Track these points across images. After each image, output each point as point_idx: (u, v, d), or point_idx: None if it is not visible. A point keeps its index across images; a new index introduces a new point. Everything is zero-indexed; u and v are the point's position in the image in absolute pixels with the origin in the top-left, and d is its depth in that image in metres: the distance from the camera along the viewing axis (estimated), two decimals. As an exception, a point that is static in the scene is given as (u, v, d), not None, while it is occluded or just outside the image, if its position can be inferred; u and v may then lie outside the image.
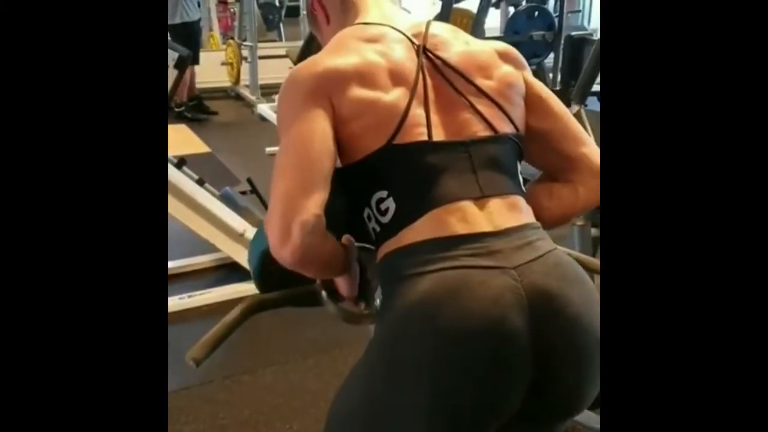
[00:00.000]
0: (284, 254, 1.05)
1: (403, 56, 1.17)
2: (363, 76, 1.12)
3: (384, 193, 1.12)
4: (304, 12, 7.59)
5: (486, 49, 1.25)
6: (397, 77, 1.14)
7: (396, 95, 1.12)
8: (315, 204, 1.04)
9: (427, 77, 1.17)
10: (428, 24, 1.24)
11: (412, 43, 1.20)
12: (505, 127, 1.19)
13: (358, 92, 1.11)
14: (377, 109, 1.11)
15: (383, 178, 1.12)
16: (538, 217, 1.18)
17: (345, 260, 1.19)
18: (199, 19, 6.82)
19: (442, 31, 1.25)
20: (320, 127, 1.08)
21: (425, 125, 1.13)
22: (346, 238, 1.20)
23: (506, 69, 1.24)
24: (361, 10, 1.27)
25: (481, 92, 1.19)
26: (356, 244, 1.23)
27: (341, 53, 1.14)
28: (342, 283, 1.25)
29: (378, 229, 1.13)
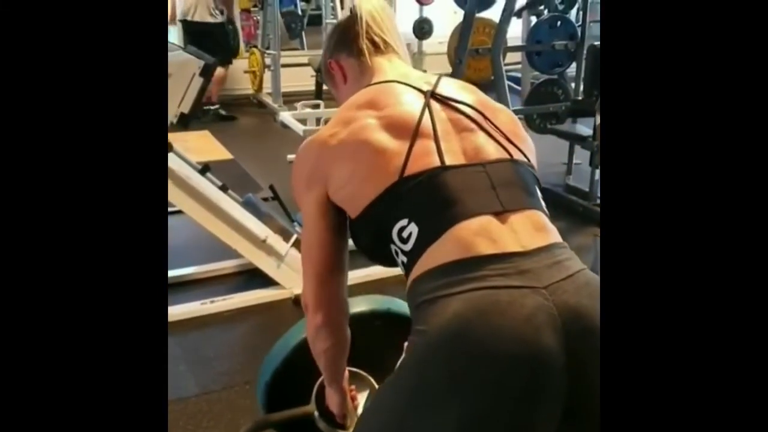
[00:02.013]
0: (317, 320, 1.25)
1: (407, 104, 1.20)
2: (352, 147, 1.16)
3: (405, 221, 1.12)
4: (326, 21, 7.64)
5: (506, 109, 1.30)
6: (397, 128, 1.16)
7: (396, 144, 1.15)
8: (336, 289, 1.26)
9: (437, 111, 1.20)
10: (440, 76, 1.28)
11: (421, 91, 1.23)
12: (520, 156, 1.21)
13: (348, 164, 1.16)
14: (369, 171, 1.15)
15: (400, 208, 1.12)
16: None
17: (344, 368, 1.39)
18: (223, 23, 6.96)
19: (456, 83, 1.29)
20: (324, 223, 1.21)
21: (436, 153, 1.14)
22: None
23: (523, 130, 1.28)
24: (376, 72, 1.31)
25: (496, 127, 1.21)
26: (348, 368, 1.43)
27: (334, 128, 1.20)
28: (332, 399, 1.45)
29: (405, 260, 1.13)
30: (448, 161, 1.13)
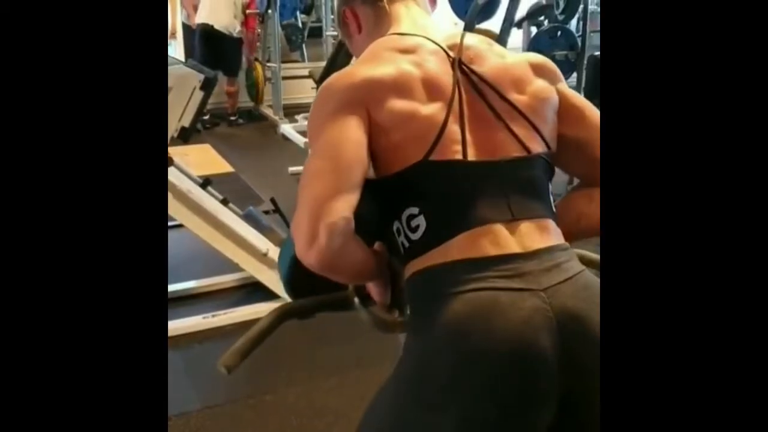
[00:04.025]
0: (310, 258, 1.03)
1: (439, 68, 1.16)
2: (400, 87, 1.11)
3: (415, 210, 1.11)
4: (327, 33, 7.65)
5: (520, 61, 1.24)
6: (433, 90, 1.13)
7: (433, 109, 1.12)
8: (343, 207, 1.02)
9: (463, 92, 1.16)
10: (463, 35, 1.23)
11: (448, 55, 1.19)
12: (537, 147, 1.18)
13: (397, 103, 1.10)
14: (416, 121, 1.10)
15: (416, 194, 1.12)
16: (577, 225, 1.20)
17: (376, 267, 1.17)
18: (240, 39, 7.17)
19: (477, 42, 1.23)
20: (354, 134, 1.07)
21: (461, 143, 1.12)
22: (378, 244, 1.20)
23: (540, 83, 1.23)
24: (394, 20, 1.26)
25: (515, 109, 1.18)
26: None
27: (377, 64, 1.14)
28: (374, 289, 1.23)
29: (407, 244, 1.12)
30: (469, 155, 1.12)
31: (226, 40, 6.86)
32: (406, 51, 1.17)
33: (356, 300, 1.26)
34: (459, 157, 1.11)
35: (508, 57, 1.25)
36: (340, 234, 1.01)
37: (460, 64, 1.18)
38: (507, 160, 1.15)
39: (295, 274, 1.24)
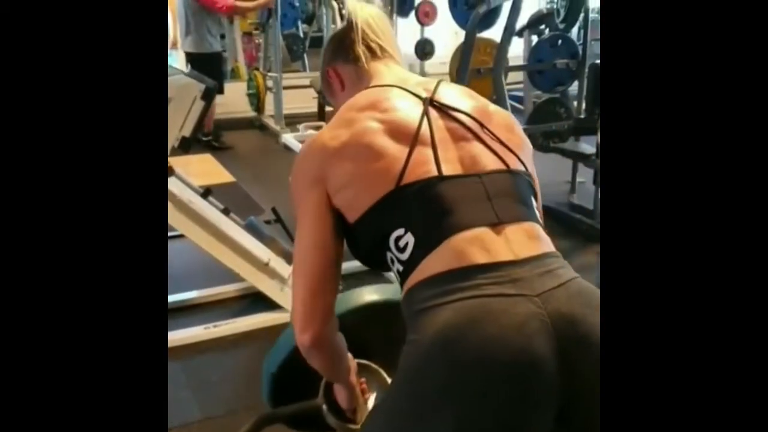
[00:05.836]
0: (304, 340, 1.17)
1: (407, 110, 1.20)
2: (354, 149, 1.16)
3: (401, 231, 1.12)
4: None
5: (503, 111, 1.30)
6: (398, 133, 1.16)
7: (397, 149, 1.14)
8: (328, 302, 1.19)
9: (435, 119, 1.19)
10: (439, 82, 1.27)
11: (419, 97, 1.23)
12: (517, 165, 1.20)
13: (348, 166, 1.15)
14: (370, 175, 1.14)
15: (398, 217, 1.13)
16: None
17: (347, 368, 1.35)
18: (222, 51, 6.92)
19: (454, 89, 1.28)
20: (323, 224, 1.18)
21: (433, 162, 1.14)
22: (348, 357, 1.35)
23: (520, 132, 1.28)
24: (374, 76, 1.32)
25: (493, 136, 1.21)
26: (356, 360, 1.39)
27: (336, 130, 1.19)
28: (340, 394, 1.42)
29: (401, 268, 1.14)
30: (445, 171, 1.14)
31: (197, 57, 6.47)
32: (368, 107, 1.21)
33: (324, 407, 1.46)
34: (433, 174, 1.13)
35: (490, 105, 1.30)
36: (327, 325, 1.18)
37: (431, 101, 1.22)
38: (486, 172, 1.16)
39: (275, 389, 1.54)
